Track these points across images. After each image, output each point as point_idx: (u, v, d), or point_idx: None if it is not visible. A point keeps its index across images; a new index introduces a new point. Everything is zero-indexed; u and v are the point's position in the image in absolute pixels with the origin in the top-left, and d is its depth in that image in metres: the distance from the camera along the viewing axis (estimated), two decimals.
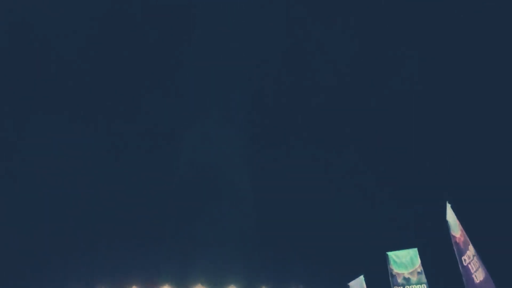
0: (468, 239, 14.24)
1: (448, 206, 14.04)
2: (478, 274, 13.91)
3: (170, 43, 28.87)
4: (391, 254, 19.70)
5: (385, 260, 20.02)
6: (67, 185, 25.63)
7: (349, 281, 22.75)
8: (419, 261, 19.50)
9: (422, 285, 19.07)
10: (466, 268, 14.07)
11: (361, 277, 21.61)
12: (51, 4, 28.32)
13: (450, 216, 14.18)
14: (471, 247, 14.12)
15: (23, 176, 25.97)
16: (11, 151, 26.94)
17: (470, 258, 13.98)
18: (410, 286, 19.35)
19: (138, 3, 29.17)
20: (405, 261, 19.68)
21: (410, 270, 19.48)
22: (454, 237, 14.23)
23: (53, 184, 25.32)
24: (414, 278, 19.31)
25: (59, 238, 24.41)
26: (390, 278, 19.70)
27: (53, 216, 25.38)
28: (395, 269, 19.79)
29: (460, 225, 14.66)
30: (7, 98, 27.45)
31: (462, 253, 14.15)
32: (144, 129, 27.77)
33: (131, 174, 26.10)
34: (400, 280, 19.61)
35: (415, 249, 19.67)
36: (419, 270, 19.40)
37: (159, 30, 28.99)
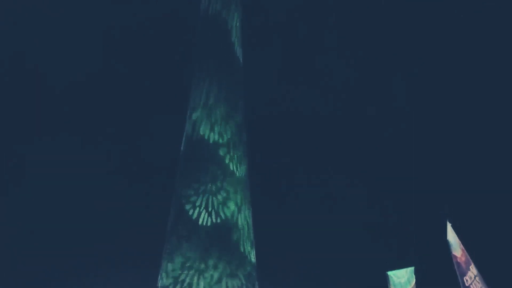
0: (469, 258, 13.95)
1: (449, 225, 13.75)
2: None
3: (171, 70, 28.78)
4: (391, 274, 19.43)
5: (382, 281, 19.81)
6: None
7: None
8: (414, 280, 19.30)
9: None
10: None
11: None
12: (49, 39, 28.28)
13: (451, 235, 13.88)
14: (473, 267, 13.84)
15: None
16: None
17: (472, 279, 13.70)
18: None
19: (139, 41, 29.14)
20: (403, 281, 19.47)
21: None
22: (455, 256, 13.93)
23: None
24: None
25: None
26: None
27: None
28: None
29: (461, 245, 14.38)
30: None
31: (463, 273, 13.85)
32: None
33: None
34: None
35: (412, 268, 19.45)
36: None
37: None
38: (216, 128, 19.42)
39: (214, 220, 18.59)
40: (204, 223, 18.53)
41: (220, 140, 19.53)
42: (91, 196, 26.21)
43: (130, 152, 28.22)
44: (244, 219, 19.11)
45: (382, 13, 31.25)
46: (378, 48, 30.16)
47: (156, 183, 25.51)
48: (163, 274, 18.72)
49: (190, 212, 18.68)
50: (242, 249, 18.58)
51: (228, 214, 18.70)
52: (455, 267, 14.20)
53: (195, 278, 18.23)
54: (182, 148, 19.99)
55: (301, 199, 26.62)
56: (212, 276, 18.12)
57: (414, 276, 19.91)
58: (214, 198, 18.76)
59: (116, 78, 29.47)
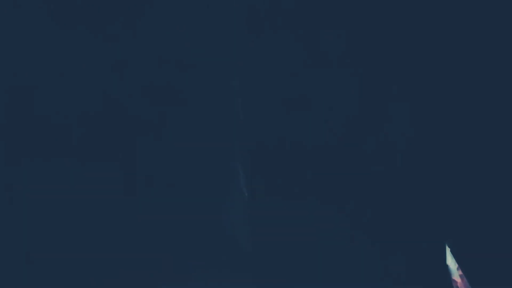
0: (468, 284, 13.82)
1: (448, 249, 13.63)
2: None
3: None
4: None
5: None
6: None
7: None
8: None
9: None
10: None
11: None
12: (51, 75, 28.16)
13: (450, 260, 13.78)
14: None
15: None
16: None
17: None
18: None
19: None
20: None
21: None
22: (455, 281, 13.80)
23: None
24: None
25: None
26: None
27: None
28: None
29: (460, 269, 14.24)
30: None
31: None
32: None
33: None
34: None
35: None
36: None
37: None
38: None
39: None
40: None
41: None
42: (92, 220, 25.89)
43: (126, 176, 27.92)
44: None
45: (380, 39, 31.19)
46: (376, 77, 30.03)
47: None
48: None
49: None
50: None
51: None
52: None
53: None
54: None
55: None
56: None
57: None
58: None
59: (115, 116, 29.32)
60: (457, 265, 14.25)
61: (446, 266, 14.45)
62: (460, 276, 13.61)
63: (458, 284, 14.41)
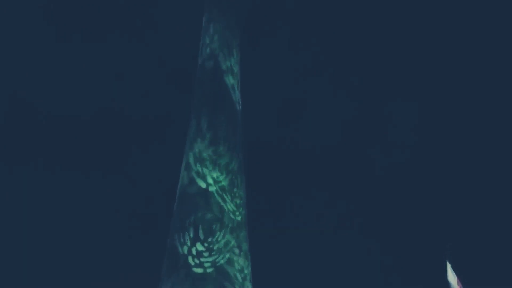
0: None
1: (448, 265, 13.63)
2: None
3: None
4: None
5: None
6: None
7: None
8: None
9: None
10: None
11: None
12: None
13: (451, 276, 13.77)
14: None
15: None
16: None
17: None
18: None
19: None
20: None
21: None
22: None
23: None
24: None
25: None
26: None
27: None
28: None
29: (460, 283, 14.29)
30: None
31: None
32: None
33: None
34: None
35: None
36: None
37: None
38: (213, 174, 19.22)
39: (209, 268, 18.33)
40: (199, 270, 18.28)
41: (217, 184, 19.34)
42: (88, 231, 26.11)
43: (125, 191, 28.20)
44: (241, 265, 18.84)
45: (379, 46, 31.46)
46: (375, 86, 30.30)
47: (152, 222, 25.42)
48: None
49: (185, 259, 18.40)
50: None
51: (223, 262, 18.44)
52: None
53: None
54: (177, 192, 19.75)
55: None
56: None
57: None
58: None
59: (114, 118, 29.62)
60: (457, 280, 13.98)
61: (447, 282, 14.15)
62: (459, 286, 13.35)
63: None
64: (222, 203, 18.38)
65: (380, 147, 29.55)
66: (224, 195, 18.58)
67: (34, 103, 30.15)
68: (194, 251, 18.23)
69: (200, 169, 19.37)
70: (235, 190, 18.91)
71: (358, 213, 27.48)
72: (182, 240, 18.41)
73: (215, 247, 18.09)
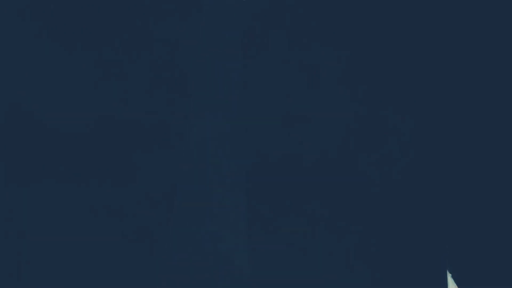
0: None
1: (449, 275, 13.44)
2: None
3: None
4: None
5: None
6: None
7: None
8: None
9: None
10: None
11: None
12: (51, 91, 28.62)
13: (452, 286, 13.58)
14: None
15: None
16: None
17: None
18: None
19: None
20: None
21: None
22: None
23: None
24: None
25: None
26: None
27: None
28: None
29: None
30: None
31: None
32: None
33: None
34: None
35: None
36: None
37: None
38: None
39: None
40: None
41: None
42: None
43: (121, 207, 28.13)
44: None
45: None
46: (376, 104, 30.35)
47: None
48: None
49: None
50: None
51: None
52: None
53: None
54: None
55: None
56: None
57: None
58: None
59: (110, 137, 29.66)
60: None
61: None
62: None
63: None
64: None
65: (379, 160, 29.64)
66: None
67: (34, 110, 30.25)
68: None
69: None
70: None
71: (357, 226, 27.50)
72: None
73: None
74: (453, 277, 13.08)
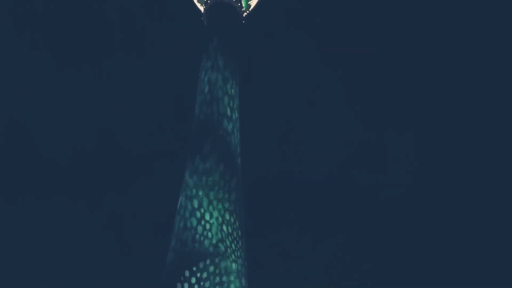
0: None
1: None
2: None
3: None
4: None
5: None
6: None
7: None
8: None
9: None
10: None
11: None
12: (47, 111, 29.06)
13: None
14: None
15: None
16: None
17: None
18: None
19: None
20: None
21: None
22: None
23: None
24: None
25: None
26: None
27: None
28: None
29: None
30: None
31: None
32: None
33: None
34: None
35: None
36: None
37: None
38: (207, 212, 19.38)
39: None
40: None
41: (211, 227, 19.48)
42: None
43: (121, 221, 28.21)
44: None
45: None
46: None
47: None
48: None
49: None
50: None
51: None
52: None
53: None
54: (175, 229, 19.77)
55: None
56: None
57: None
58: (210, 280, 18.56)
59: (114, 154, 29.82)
60: None
61: None
62: None
63: None
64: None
65: (376, 180, 29.70)
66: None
67: (29, 128, 30.28)
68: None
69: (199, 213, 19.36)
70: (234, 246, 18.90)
71: (355, 244, 27.54)
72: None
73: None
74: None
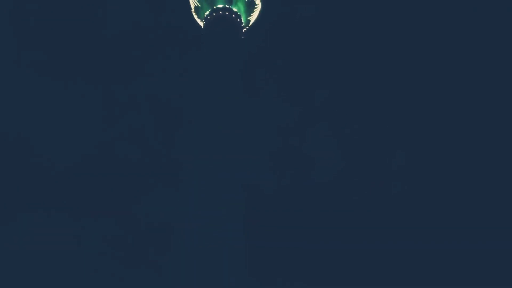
0: None
1: None
2: None
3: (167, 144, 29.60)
4: None
5: None
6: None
7: None
8: None
9: None
10: None
11: None
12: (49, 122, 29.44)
13: None
14: None
15: None
16: None
17: None
18: None
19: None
20: None
21: None
22: None
23: None
24: None
25: None
26: None
27: None
28: None
29: None
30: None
31: None
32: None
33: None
34: None
35: None
36: None
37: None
38: None
39: None
40: None
41: None
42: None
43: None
44: None
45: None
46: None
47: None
48: None
49: None
50: None
51: None
52: None
53: None
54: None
55: None
56: None
57: None
58: None
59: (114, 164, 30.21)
60: None
61: None
62: None
63: None
64: None
65: (372, 194, 30.18)
66: None
67: (34, 147, 30.73)
68: None
69: None
70: None
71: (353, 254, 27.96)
72: None
73: None
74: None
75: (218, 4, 37.48)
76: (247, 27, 39.00)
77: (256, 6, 39.17)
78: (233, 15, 37.54)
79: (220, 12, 37.39)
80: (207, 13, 38.21)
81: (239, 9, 37.68)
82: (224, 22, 37.36)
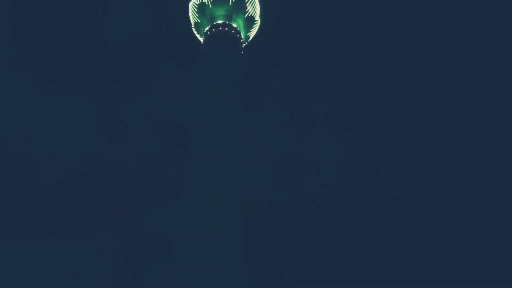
0: None
1: None
2: None
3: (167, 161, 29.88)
4: None
5: None
6: None
7: None
8: None
9: None
10: None
11: None
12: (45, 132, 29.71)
13: None
14: None
15: None
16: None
17: None
18: None
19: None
20: None
21: None
22: None
23: None
24: None
25: None
26: None
27: None
28: None
29: None
30: None
31: None
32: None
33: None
34: None
35: None
36: None
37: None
38: None
39: None
40: None
41: None
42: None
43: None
44: None
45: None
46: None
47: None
48: None
49: None
50: None
51: None
52: None
53: None
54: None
55: None
56: None
57: None
58: None
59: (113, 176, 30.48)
60: None
61: None
62: None
63: None
64: None
65: (372, 205, 30.46)
66: None
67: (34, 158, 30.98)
68: None
69: None
70: None
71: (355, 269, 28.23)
72: None
73: None
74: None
75: (218, 20, 38.00)
76: (246, 43, 39.56)
77: (255, 22, 39.74)
78: (233, 31, 38.07)
79: (220, 28, 37.88)
80: (207, 29, 38.69)
81: (238, 25, 38.21)
82: (223, 38, 37.86)
